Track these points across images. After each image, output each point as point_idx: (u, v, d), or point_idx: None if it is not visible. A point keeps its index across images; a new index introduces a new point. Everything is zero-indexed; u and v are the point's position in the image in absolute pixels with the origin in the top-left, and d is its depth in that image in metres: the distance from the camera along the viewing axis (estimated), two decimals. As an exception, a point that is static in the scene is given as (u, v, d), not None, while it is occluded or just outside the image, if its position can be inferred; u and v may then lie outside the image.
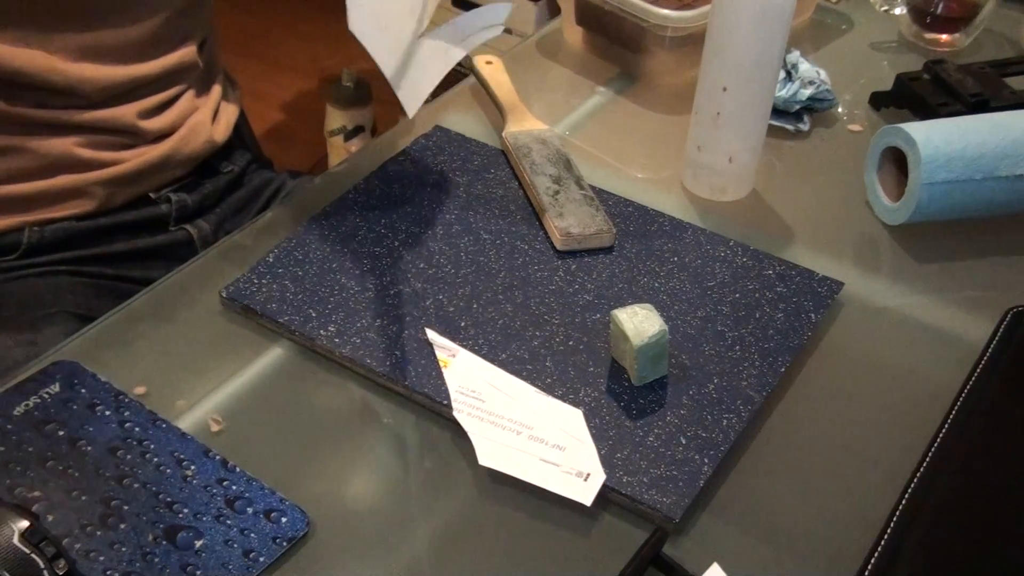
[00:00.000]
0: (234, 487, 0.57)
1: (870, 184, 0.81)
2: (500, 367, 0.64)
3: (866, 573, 0.54)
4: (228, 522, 0.55)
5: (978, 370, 0.65)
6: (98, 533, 0.54)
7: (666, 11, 0.87)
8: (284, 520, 0.56)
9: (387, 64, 0.65)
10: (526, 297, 0.69)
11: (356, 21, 0.62)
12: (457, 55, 0.68)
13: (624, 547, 0.55)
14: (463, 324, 0.67)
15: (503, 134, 0.83)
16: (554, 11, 1.03)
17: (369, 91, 2.04)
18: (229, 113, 0.97)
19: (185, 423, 0.61)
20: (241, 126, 1.00)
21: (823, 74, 0.88)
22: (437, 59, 0.67)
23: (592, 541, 0.57)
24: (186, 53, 0.89)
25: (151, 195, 0.90)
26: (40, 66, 0.78)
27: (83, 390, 0.62)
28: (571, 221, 0.74)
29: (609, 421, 0.61)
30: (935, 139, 0.74)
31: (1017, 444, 0.61)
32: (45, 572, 0.49)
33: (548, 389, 0.63)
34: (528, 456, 0.59)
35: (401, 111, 0.68)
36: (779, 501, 0.59)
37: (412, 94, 0.67)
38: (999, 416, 0.63)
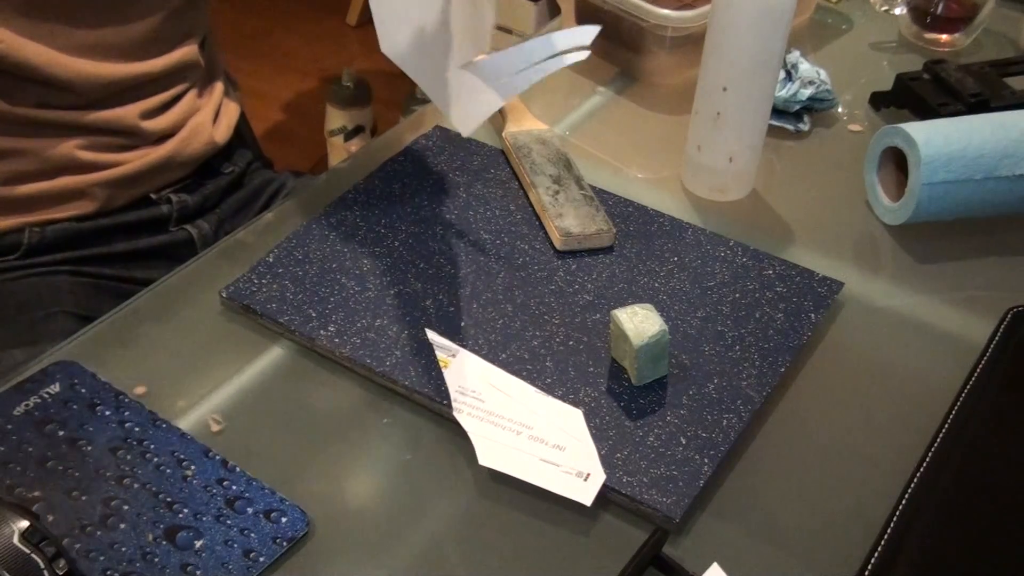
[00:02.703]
0: (234, 487, 0.57)
1: (870, 184, 0.81)
2: (500, 367, 0.64)
3: (866, 573, 0.54)
4: (228, 522, 0.55)
5: (978, 370, 0.65)
6: (98, 533, 0.54)
7: (666, 11, 0.87)
8: (284, 520, 0.56)
9: (429, 85, 0.63)
10: (526, 297, 0.69)
11: (387, 43, 0.61)
12: (531, 79, 0.64)
13: (624, 547, 0.55)
14: (463, 324, 0.67)
15: (503, 134, 0.83)
16: (554, 11, 1.03)
17: (369, 91, 2.04)
18: (230, 114, 0.97)
19: (185, 423, 0.61)
20: (241, 126, 1.00)
21: (823, 74, 0.88)
22: (502, 82, 0.64)
23: (592, 541, 0.57)
24: (187, 51, 0.89)
25: (152, 196, 0.90)
26: (43, 60, 0.78)
27: (83, 390, 0.62)
28: (571, 221, 0.74)
29: (609, 421, 0.61)
30: (935, 139, 0.74)
31: (1017, 444, 0.61)
32: (45, 572, 0.49)
33: (548, 389, 0.63)
34: (528, 456, 0.59)
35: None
36: (779, 501, 0.59)
37: (466, 115, 0.65)
38: (999, 416, 0.63)
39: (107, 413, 0.61)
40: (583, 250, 0.73)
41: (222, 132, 0.95)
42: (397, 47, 0.61)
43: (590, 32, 0.64)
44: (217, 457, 0.59)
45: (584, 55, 0.64)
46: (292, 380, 0.65)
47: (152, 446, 0.59)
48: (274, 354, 0.67)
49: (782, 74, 0.87)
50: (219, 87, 0.96)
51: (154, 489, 0.57)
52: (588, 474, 0.58)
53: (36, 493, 0.56)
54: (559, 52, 0.64)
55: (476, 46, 0.69)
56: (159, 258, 0.91)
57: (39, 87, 0.80)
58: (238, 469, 0.58)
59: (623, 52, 0.95)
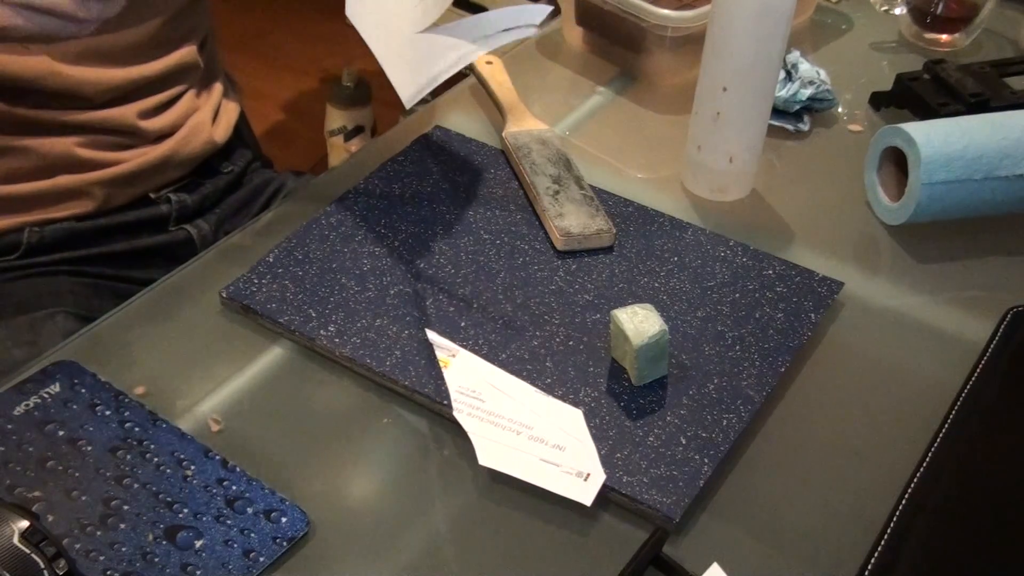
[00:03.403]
0: (234, 487, 0.57)
1: (870, 184, 0.81)
2: (500, 367, 0.64)
3: (866, 573, 0.54)
4: (228, 522, 0.55)
5: (978, 370, 0.65)
6: (98, 533, 0.54)
7: (666, 11, 0.87)
8: (284, 520, 0.56)
9: (382, 52, 0.62)
10: (526, 297, 0.69)
11: (353, 7, 0.61)
12: (477, 51, 0.64)
13: (624, 547, 0.55)
14: (463, 324, 0.67)
15: (503, 134, 0.83)
16: (554, 11, 1.03)
17: (369, 91, 2.04)
18: (229, 113, 0.97)
19: (185, 423, 0.61)
20: (241, 126, 1.00)
21: (823, 74, 0.88)
22: (450, 53, 0.64)
23: (592, 541, 0.57)
24: (186, 53, 0.89)
25: (151, 195, 0.90)
26: (42, 70, 0.78)
27: (83, 390, 0.62)
28: (571, 221, 0.74)
29: (609, 421, 0.61)
30: (935, 139, 0.74)
31: (1017, 444, 0.61)
32: (45, 572, 0.49)
33: (548, 389, 0.63)
34: (528, 456, 0.59)
35: (400, 108, 0.65)
36: (779, 501, 0.59)
37: (411, 85, 0.64)
38: (999, 416, 0.63)
39: (107, 413, 0.61)
40: (583, 250, 0.73)
41: (221, 132, 0.95)
42: (360, 13, 0.61)
43: (540, 12, 0.65)
44: (217, 457, 0.59)
45: (532, 31, 0.65)
46: (292, 380, 0.65)
47: (152, 446, 0.59)
48: (274, 354, 0.67)
49: (782, 74, 0.87)
50: (218, 87, 0.96)
51: (154, 489, 0.57)
52: (588, 474, 0.58)
53: (36, 493, 0.56)
54: (510, 27, 0.64)
55: (431, 13, 0.67)
56: (158, 258, 0.91)
57: (37, 93, 0.80)
58: (238, 469, 0.58)
59: (623, 52, 0.95)
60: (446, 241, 0.74)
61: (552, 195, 0.76)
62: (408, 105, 0.65)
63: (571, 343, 0.66)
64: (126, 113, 0.85)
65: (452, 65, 0.65)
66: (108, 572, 0.53)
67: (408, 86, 0.65)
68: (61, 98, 0.81)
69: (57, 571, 0.49)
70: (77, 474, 0.57)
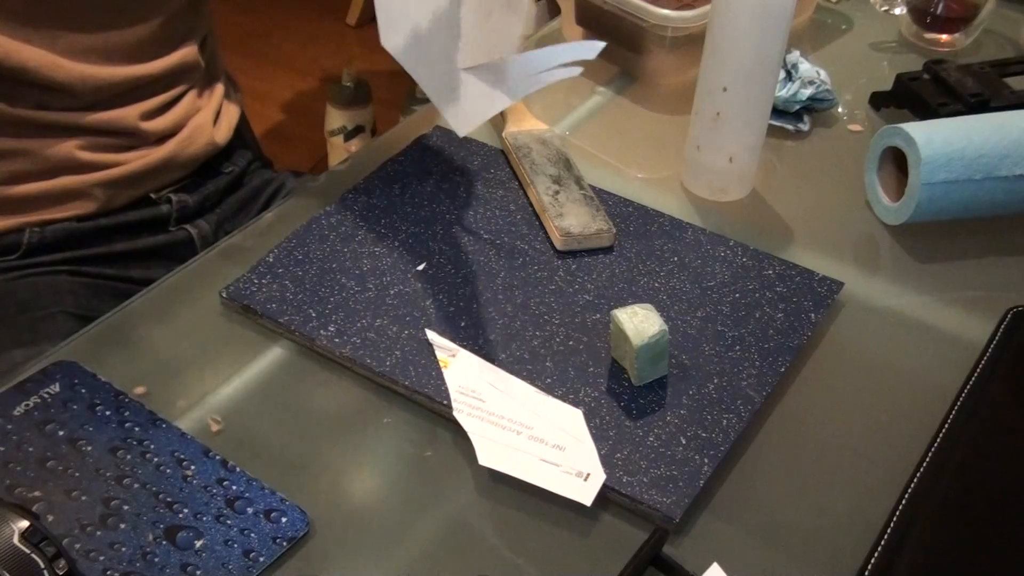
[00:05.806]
0: (234, 487, 0.57)
1: (870, 184, 0.81)
2: (500, 367, 0.64)
3: (866, 573, 0.54)
4: (228, 522, 0.55)
5: (978, 370, 0.65)
6: (98, 533, 0.54)
7: (666, 11, 0.87)
8: (284, 520, 0.56)
9: (430, 87, 0.63)
10: (526, 297, 0.69)
11: (387, 38, 0.61)
12: (528, 88, 0.64)
13: (624, 547, 0.55)
14: (463, 324, 0.67)
15: (503, 134, 0.83)
16: (554, 11, 1.03)
17: (369, 91, 2.04)
18: (231, 114, 0.97)
19: (185, 423, 0.61)
20: (242, 126, 1.00)
21: (823, 74, 0.88)
22: (501, 89, 0.64)
23: (592, 541, 0.57)
24: (187, 53, 0.89)
25: (152, 196, 0.90)
26: (43, 64, 0.78)
27: (83, 390, 0.62)
28: (571, 221, 0.74)
29: (609, 421, 0.61)
30: (935, 139, 0.74)
31: (1017, 444, 0.61)
32: (45, 572, 0.49)
33: (548, 389, 0.63)
34: (528, 456, 0.59)
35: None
36: (779, 501, 0.59)
37: (465, 121, 0.65)
38: (999, 416, 0.63)
39: (107, 413, 0.61)
40: (583, 250, 0.73)
41: (223, 133, 0.95)
42: (397, 43, 0.61)
43: (593, 48, 0.63)
44: (217, 457, 0.59)
45: (577, 71, 0.63)
46: (292, 380, 0.65)
47: (152, 446, 0.59)
48: (274, 354, 0.67)
49: (782, 74, 0.87)
50: (220, 88, 0.96)
51: (154, 489, 0.57)
52: (588, 474, 0.58)
53: (36, 493, 0.56)
54: (559, 64, 0.64)
55: (494, 51, 0.68)
56: (159, 258, 0.91)
57: (39, 90, 0.80)
58: (238, 469, 0.58)
59: (623, 52, 0.95)
60: (446, 241, 0.74)
61: (552, 195, 0.76)
62: (462, 135, 0.66)
63: (571, 343, 0.66)
64: (127, 115, 0.85)
65: (504, 101, 0.65)
66: (108, 572, 0.53)
67: (462, 122, 0.66)
68: (61, 96, 0.81)
69: (57, 571, 0.49)
70: (77, 474, 0.57)
